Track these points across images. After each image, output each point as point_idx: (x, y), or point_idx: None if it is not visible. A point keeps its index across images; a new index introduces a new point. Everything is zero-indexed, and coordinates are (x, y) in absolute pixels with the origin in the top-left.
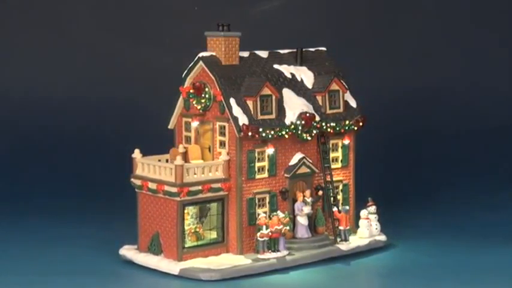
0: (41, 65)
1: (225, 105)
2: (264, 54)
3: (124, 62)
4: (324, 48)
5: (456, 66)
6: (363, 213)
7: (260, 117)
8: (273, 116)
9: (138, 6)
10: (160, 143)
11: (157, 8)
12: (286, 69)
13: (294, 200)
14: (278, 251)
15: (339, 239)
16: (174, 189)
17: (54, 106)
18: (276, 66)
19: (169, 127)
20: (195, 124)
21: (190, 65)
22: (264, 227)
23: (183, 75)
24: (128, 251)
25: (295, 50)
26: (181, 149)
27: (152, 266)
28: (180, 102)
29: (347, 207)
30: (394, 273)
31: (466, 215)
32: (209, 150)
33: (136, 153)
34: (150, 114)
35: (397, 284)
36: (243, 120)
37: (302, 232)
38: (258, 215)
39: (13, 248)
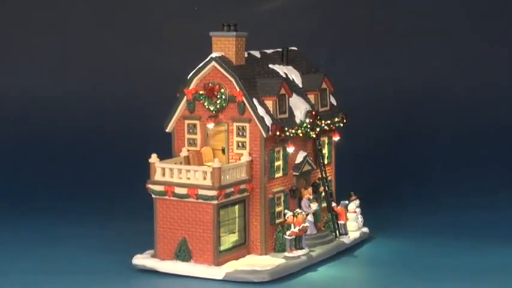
0: (41, 65)
1: (247, 105)
2: (257, 54)
3: (122, 63)
4: (295, 48)
5: (455, 66)
6: (351, 207)
7: (278, 116)
8: (286, 116)
9: (138, 6)
10: (157, 146)
11: (157, 9)
12: (280, 69)
13: (299, 198)
14: (302, 248)
15: (338, 233)
16: (212, 193)
17: (54, 106)
18: (271, 66)
19: (167, 130)
20: (210, 126)
21: (199, 66)
22: (292, 225)
23: (189, 76)
24: (145, 260)
25: (279, 50)
26: (184, 152)
27: (186, 273)
28: (182, 105)
29: (346, 202)
30: (396, 267)
31: (466, 215)
32: (223, 152)
33: (154, 158)
34: (144, 117)
35: (398, 276)
36: (268, 120)
37: (310, 229)
38: (285, 214)
39: (14, 249)
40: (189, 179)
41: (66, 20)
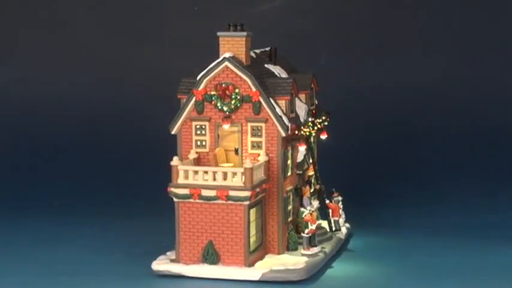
0: (41, 65)
1: (265, 105)
2: (252, 54)
3: (123, 63)
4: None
5: (455, 65)
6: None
7: (290, 116)
8: (294, 115)
9: (137, 6)
10: (159, 148)
11: (158, 9)
12: (273, 69)
13: (301, 196)
14: (316, 245)
15: (333, 229)
16: (245, 193)
17: (54, 106)
18: (266, 66)
19: (173, 132)
20: (226, 126)
21: (210, 66)
22: (309, 223)
23: (199, 77)
24: (169, 265)
25: (263, 50)
26: (192, 154)
27: (218, 276)
28: (190, 106)
29: (339, 198)
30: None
31: (466, 216)
32: (236, 153)
33: (176, 161)
34: (144, 118)
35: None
36: (285, 119)
37: None
38: (302, 212)
39: (13, 251)
40: (215, 180)
41: (66, 20)
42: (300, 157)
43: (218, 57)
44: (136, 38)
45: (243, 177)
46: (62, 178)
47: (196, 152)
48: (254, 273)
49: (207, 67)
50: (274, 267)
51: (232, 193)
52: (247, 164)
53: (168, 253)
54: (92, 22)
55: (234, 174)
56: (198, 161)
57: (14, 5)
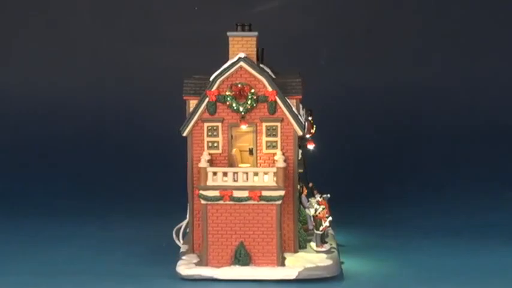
0: (41, 65)
1: (281, 104)
2: None
3: (123, 63)
4: None
5: (455, 65)
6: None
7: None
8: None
9: (138, 6)
10: (160, 148)
11: (158, 9)
12: (267, 69)
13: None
14: (326, 242)
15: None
16: (278, 193)
17: (54, 106)
18: (261, 66)
19: (184, 135)
20: (244, 127)
21: (224, 67)
22: (322, 220)
23: (213, 77)
24: (201, 269)
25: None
26: (206, 156)
27: (254, 277)
28: (203, 108)
29: (328, 195)
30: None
31: (466, 216)
32: (250, 153)
33: (204, 163)
34: (146, 118)
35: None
36: (301, 118)
37: (309, 224)
38: (316, 209)
39: (13, 250)
40: (247, 180)
41: (66, 20)
42: (298, 156)
43: (225, 58)
44: (136, 38)
45: (275, 177)
46: (62, 178)
47: (209, 154)
48: (290, 272)
49: (207, 67)
50: (307, 265)
51: (265, 193)
52: (280, 163)
53: (183, 257)
54: (92, 22)
55: (266, 174)
56: (211, 163)
57: (13, 5)
